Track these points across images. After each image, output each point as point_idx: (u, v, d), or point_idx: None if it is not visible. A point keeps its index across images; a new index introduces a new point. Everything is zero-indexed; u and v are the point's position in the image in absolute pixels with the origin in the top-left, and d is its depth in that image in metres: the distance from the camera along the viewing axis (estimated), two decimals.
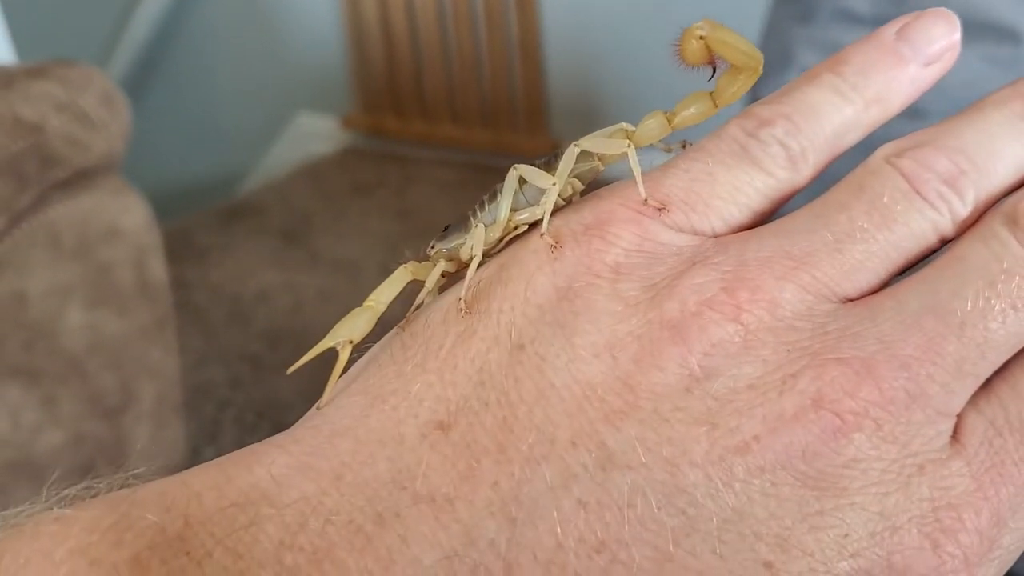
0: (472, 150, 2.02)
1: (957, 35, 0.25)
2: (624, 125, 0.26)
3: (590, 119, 1.92)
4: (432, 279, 0.25)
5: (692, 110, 0.26)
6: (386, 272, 0.25)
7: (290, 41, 2.11)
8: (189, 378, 0.83)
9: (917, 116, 0.75)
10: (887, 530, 0.20)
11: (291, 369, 0.25)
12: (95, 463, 0.70)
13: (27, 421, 0.66)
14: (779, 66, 0.79)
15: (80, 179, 0.68)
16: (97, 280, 0.70)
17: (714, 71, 0.25)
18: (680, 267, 0.22)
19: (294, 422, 0.24)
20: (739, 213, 0.24)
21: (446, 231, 0.26)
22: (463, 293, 0.23)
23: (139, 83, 1.93)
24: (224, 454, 0.21)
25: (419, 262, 0.26)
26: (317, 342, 0.24)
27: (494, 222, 0.25)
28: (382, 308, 0.24)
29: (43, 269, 0.67)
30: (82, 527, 0.19)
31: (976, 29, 0.71)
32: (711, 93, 0.26)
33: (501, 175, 0.26)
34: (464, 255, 0.25)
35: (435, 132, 2.06)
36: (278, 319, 1.49)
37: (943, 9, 0.26)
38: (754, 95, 0.86)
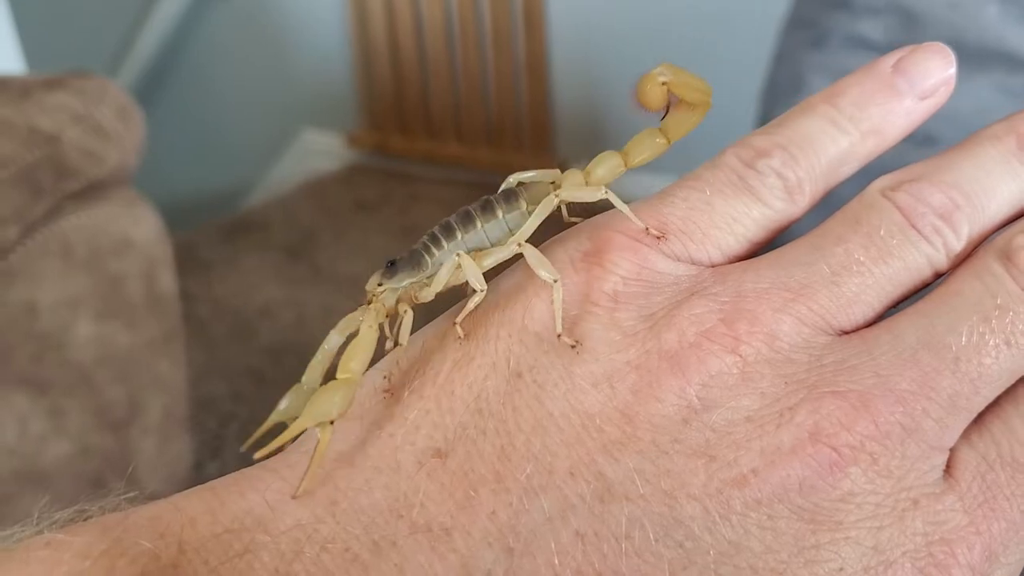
0: (477, 169, 2.02)
1: (952, 70, 0.26)
2: (567, 172, 0.26)
3: (595, 139, 1.92)
4: (405, 331, 0.23)
5: (646, 151, 0.26)
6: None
7: (297, 58, 2.12)
8: (192, 392, 0.83)
9: (927, 143, 0.75)
10: (881, 564, 0.20)
11: (258, 454, 0.23)
12: (102, 475, 0.70)
13: (34, 431, 0.66)
14: (790, 91, 0.80)
15: (94, 191, 0.68)
16: (107, 292, 0.70)
17: (666, 111, 0.26)
18: (678, 297, 0.22)
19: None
20: (736, 243, 0.24)
21: (392, 267, 0.24)
22: (459, 319, 0.22)
23: (145, 97, 1.93)
24: (227, 468, 0.21)
25: (368, 304, 0.24)
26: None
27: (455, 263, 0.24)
28: (359, 378, 0.22)
29: (54, 280, 0.67)
30: (74, 553, 0.18)
31: (989, 58, 0.71)
32: (661, 129, 0.26)
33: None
34: (425, 296, 0.24)
35: (440, 151, 2.07)
36: (281, 334, 1.49)
37: (939, 44, 0.26)
38: (764, 121, 0.86)
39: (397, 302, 0.24)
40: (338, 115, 2.17)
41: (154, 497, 0.21)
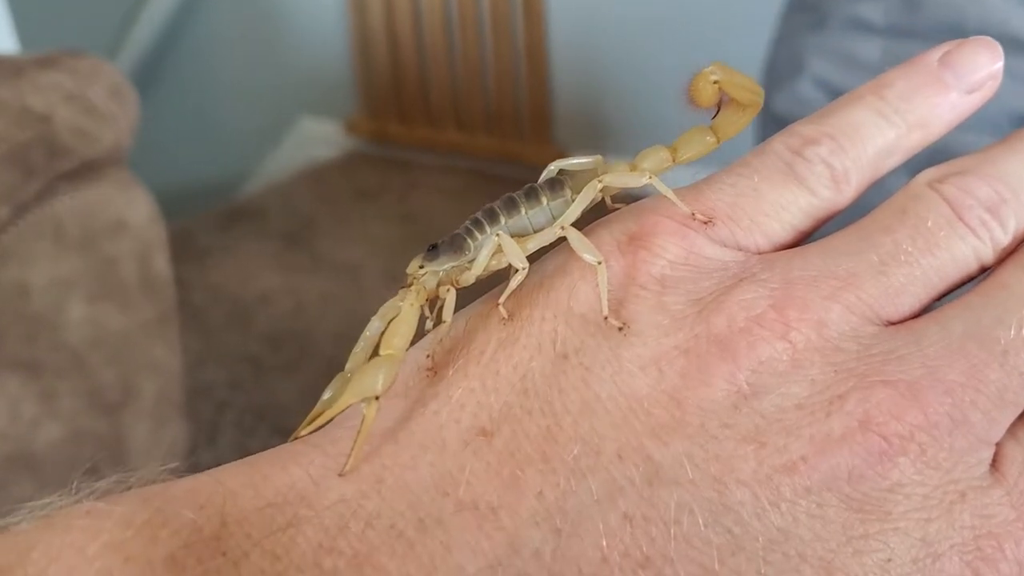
0: (476, 157, 2.02)
1: (1000, 64, 0.26)
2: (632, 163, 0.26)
3: (595, 127, 1.92)
4: (448, 309, 0.23)
5: (696, 148, 0.26)
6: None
7: (295, 45, 2.11)
8: (188, 379, 0.82)
9: None
10: (929, 557, 0.20)
11: (302, 430, 0.23)
12: (94, 459, 0.70)
13: (26, 414, 0.66)
14: (791, 74, 0.79)
15: (87, 171, 0.67)
16: (100, 274, 0.69)
17: (718, 110, 0.26)
18: (727, 282, 0.22)
19: (294, 425, 0.23)
20: (782, 231, 0.24)
21: (434, 250, 0.24)
22: (502, 299, 0.22)
23: (143, 83, 1.93)
24: (222, 455, 0.21)
25: (408, 287, 0.24)
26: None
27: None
28: (402, 355, 0.22)
29: (47, 261, 0.66)
30: (116, 522, 0.18)
31: None
32: (711, 127, 0.26)
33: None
34: (466, 280, 0.24)
35: (439, 138, 2.06)
36: (279, 321, 1.49)
37: (988, 38, 0.26)
38: (767, 109, 0.86)
39: (438, 285, 0.24)
40: (336, 102, 2.16)
41: (185, 465, 0.21)
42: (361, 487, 0.20)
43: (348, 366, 0.24)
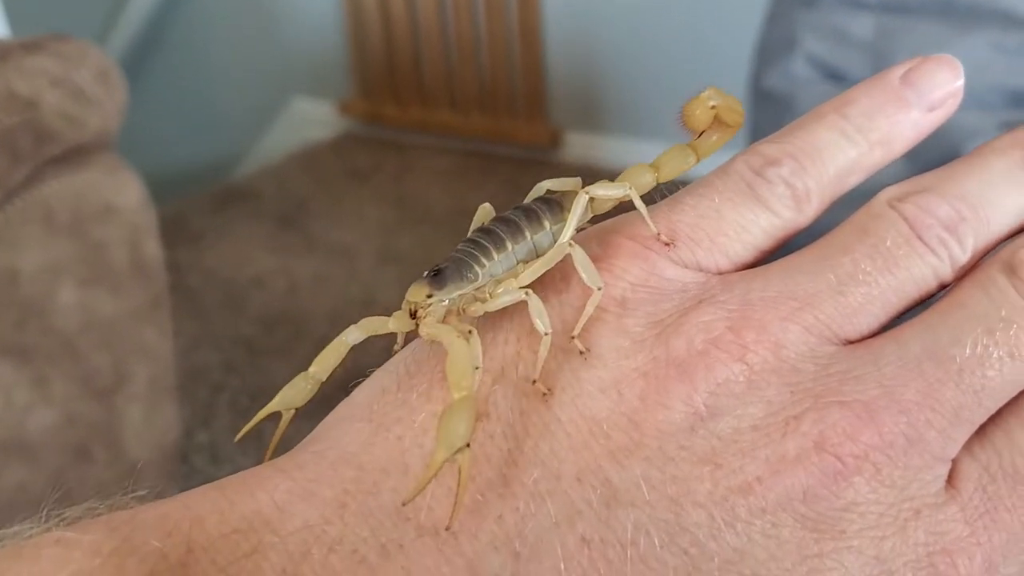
0: (470, 137, 2.01)
1: (960, 82, 0.26)
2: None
3: (590, 107, 1.91)
4: (477, 350, 0.22)
5: (677, 167, 0.26)
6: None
7: (288, 25, 2.10)
8: (183, 362, 0.82)
9: None
10: (884, 574, 0.20)
11: (240, 435, 0.24)
12: (87, 443, 0.70)
13: (18, 400, 0.66)
14: (783, 51, 0.79)
15: (75, 155, 0.67)
16: (91, 258, 0.69)
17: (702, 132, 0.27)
18: (686, 304, 0.22)
19: None
20: (744, 251, 0.24)
21: (437, 277, 0.23)
22: (576, 331, 0.22)
23: (135, 65, 1.92)
24: (217, 438, 0.21)
25: (409, 310, 0.24)
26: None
27: (507, 270, 0.24)
28: (474, 391, 0.21)
29: (36, 246, 0.66)
30: (84, 551, 0.18)
31: (982, 16, 0.70)
32: (691, 146, 0.26)
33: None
34: (475, 311, 0.23)
35: (433, 119, 2.06)
36: (273, 303, 1.49)
37: (948, 56, 0.26)
38: (759, 86, 0.86)
39: (446, 315, 0.23)
40: (330, 83, 2.16)
41: (154, 492, 0.21)
42: (324, 512, 0.20)
43: (312, 368, 0.24)
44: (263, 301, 1.49)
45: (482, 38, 1.94)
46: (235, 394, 1.25)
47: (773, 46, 0.81)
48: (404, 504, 0.20)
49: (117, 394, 0.72)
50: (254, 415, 0.24)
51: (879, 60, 0.73)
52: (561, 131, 1.94)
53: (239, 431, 0.25)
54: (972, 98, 0.73)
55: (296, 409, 0.25)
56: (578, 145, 1.93)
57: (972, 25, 0.70)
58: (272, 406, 0.25)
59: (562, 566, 0.19)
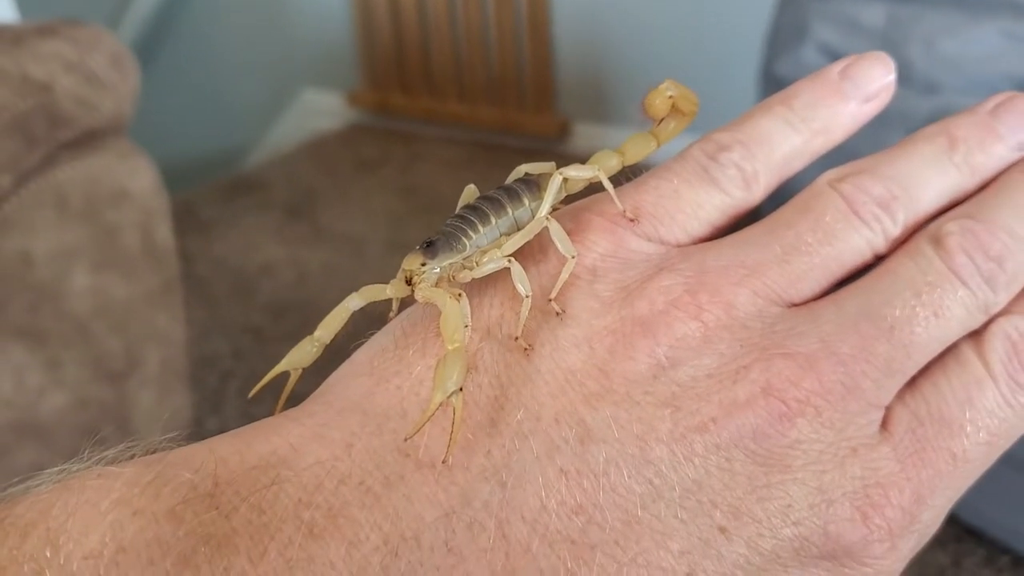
0: (478, 128, 2.01)
1: (892, 76, 0.29)
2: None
3: (598, 98, 1.91)
4: (466, 310, 0.25)
5: (640, 151, 0.30)
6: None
7: (297, 16, 2.10)
8: (193, 350, 0.83)
9: (929, 91, 0.74)
10: (824, 503, 0.23)
11: (253, 391, 0.28)
12: (99, 427, 0.70)
13: (31, 383, 0.66)
14: (794, 39, 0.79)
15: (88, 140, 0.67)
16: (104, 243, 0.69)
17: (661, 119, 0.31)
18: (649, 272, 0.25)
19: (296, 393, 0.27)
20: (699, 226, 0.27)
21: (430, 247, 0.26)
22: (554, 294, 0.25)
23: (144, 55, 1.92)
24: (227, 424, 0.23)
25: (405, 278, 0.27)
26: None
27: (489, 242, 0.27)
28: (465, 343, 0.25)
29: (49, 230, 0.66)
30: (124, 482, 0.21)
31: (996, 5, 0.70)
32: (652, 132, 0.30)
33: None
34: (463, 278, 0.26)
35: (441, 109, 2.06)
36: (282, 292, 1.49)
37: (881, 53, 0.29)
38: (770, 73, 0.86)
39: (438, 281, 0.26)
40: (339, 74, 2.16)
41: (183, 435, 0.23)
42: (334, 451, 0.22)
43: (317, 332, 0.27)
44: (272, 290, 1.50)
45: (490, 29, 1.94)
46: (244, 381, 1.25)
47: (785, 33, 0.81)
48: (405, 440, 0.22)
49: (129, 378, 0.72)
50: (263, 402, 0.26)
51: (890, 48, 0.73)
52: (569, 122, 1.94)
53: (249, 416, 0.27)
54: (983, 86, 0.73)
55: (303, 369, 0.28)
56: (586, 136, 1.93)
57: (983, 14, 0.70)
58: (281, 366, 0.27)
59: (543, 493, 0.22)
